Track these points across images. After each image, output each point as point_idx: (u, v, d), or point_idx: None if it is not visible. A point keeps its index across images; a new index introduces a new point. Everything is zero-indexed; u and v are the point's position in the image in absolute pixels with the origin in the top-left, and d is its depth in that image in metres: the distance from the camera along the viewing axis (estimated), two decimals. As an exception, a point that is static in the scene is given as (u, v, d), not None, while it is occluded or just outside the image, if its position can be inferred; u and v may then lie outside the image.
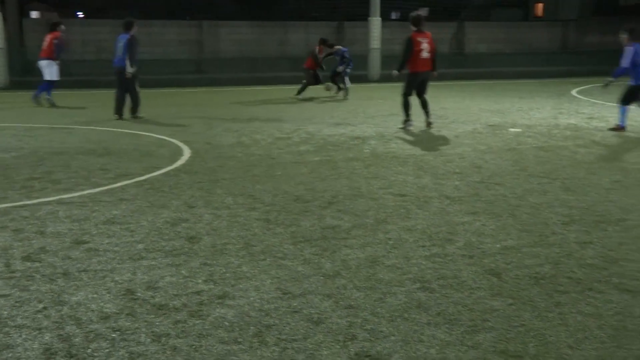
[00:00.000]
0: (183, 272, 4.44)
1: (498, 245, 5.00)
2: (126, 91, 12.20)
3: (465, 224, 5.55)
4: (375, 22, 22.07)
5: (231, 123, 11.76)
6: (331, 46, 16.87)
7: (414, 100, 11.18)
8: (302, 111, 13.63)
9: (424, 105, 11.20)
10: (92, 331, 3.55)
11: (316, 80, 16.23)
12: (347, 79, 16.41)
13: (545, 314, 3.78)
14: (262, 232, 5.34)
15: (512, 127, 11.26)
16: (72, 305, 3.88)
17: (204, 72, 22.46)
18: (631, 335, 3.50)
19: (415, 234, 5.28)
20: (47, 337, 3.48)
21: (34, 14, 46.93)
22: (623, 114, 10.91)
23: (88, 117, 12.53)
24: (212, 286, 4.18)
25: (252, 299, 3.99)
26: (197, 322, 3.66)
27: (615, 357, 3.28)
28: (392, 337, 3.49)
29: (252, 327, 3.60)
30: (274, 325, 3.63)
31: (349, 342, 3.44)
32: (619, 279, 4.30)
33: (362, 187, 6.86)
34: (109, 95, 13.14)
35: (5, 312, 3.78)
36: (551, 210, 5.97)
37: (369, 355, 3.31)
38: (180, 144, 9.44)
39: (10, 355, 3.30)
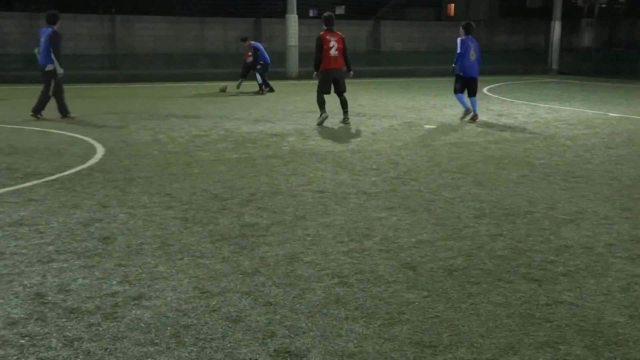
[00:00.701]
0: (96, 273, 4.30)
1: (413, 239, 5.12)
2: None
3: (382, 219, 5.65)
4: (293, 19, 22.11)
5: (147, 120, 11.50)
6: (244, 40, 17.13)
7: (334, 98, 11.30)
8: (219, 108, 13.49)
9: (343, 104, 11.37)
10: (0, 337, 3.39)
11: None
12: (258, 76, 16.58)
13: (459, 304, 3.91)
14: (180, 230, 5.25)
15: (427, 124, 11.56)
16: (-24, 312, 3.69)
17: (118, 68, 21.83)
18: (538, 323, 3.66)
19: (333, 230, 5.33)
20: (-52, 346, 3.29)
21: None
22: (462, 100, 12.04)
23: (-7, 114, 11.93)
24: (128, 287, 4.08)
25: (169, 299, 3.92)
26: (112, 324, 3.56)
27: (523, 343, 3.43)
28: (311, 333, 3.51)
29: (169, 328, 3.53)
30: (191, 325, 3.58)
31: (268, 340, 3.43)
32: (527, 269, 4.50)
33: (281, 184, 6.87)
34: (14, 91, 12.56)
35: None
36: (464, 205, 6.17)
37: (288, 352, 3.32)
38: (94, 142, 9.15)
39: None
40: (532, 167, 7.97)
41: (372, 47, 26.81)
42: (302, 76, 20.80)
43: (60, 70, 11.10)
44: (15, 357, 3.21)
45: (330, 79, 11.14)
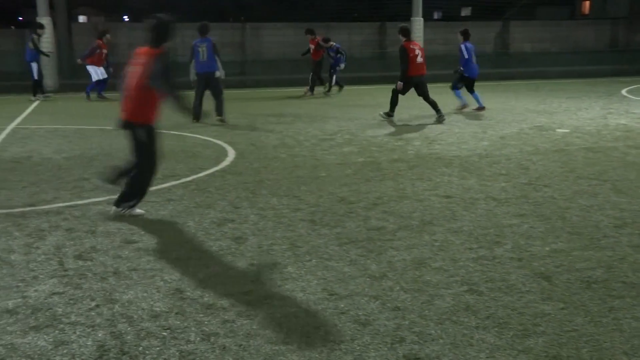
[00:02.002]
0: (230, 272, 4.48)
1: (547, 248, 4.90)
2: (220, 93, 12.09)
3: (513, 226, 5.46)
4: (418, 22, 21.92)
5: (275, 124, 11.82)
6: (327, 41, 17.53)
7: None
8: (344, 112, 13.62)
9: (433, 105, 11.96)
10: (143, 329, 3.61)
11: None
12: (335, 77, 17.52)
13: (599, 319, 3.70)
14: (307, 232, 5.35)
15: (560, 128, 11.05)
16: (123, 304, 3.95)
17: (247, 73, 22.64)
18: (689, 343, 3.39)
19: (461, 236, 5.22)
20: (100, 335, 3.55)
21: (82, 18, 48.02)
22: (460, 96, 13.27)
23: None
24: (260, 286, 4.21)
25: (298, 299, 4.00)
26: (245, 321, 3.69)
27: (672, 364, 3.19)
28: (441, 340, 3.46)
29: (299, 328, 3.61)
30: (321, 326, 3.64)
31: (397, 345, 3.42)
32: (675, 284, 4.18)
33: (407, 189, 6.82)
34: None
35: (60, 310, 3.88)
36: (602, 213, 5.83)
37: (418, 358, 3.28)
38: (225, 145, 9.53)
39: (65, 351, 3.38)
40: (679, 174, 7.39)
41: (501, 48, 26.03)
42: (434, 78, 20.52)
43: (222, 73, 12.17)
44: (157, 349, 3.40)
45: (413, 84, 11.94)
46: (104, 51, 16.14)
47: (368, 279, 4.34)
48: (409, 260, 4.67)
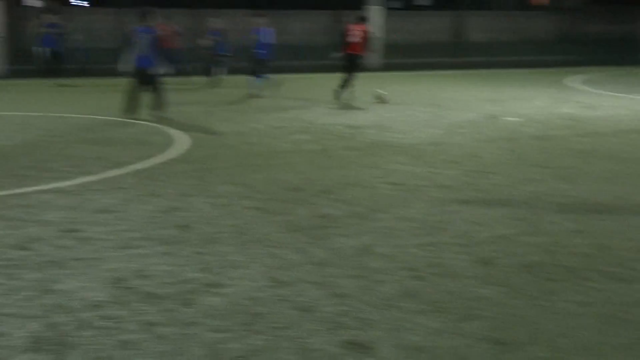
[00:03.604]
0: (174, 260, 4.43)
1: (491, 234, 4.99)
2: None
3: (459, 213, 5.54)
4: (377, 11, 21.96)
5: (230, 112, 11.72)
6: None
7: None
8: (300, 101, 13.58)
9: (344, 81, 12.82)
10: (82, 319, 3.54)
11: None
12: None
13: (537, 302, 3.78)
14: (256, 220, 5.33)
15: (511, 117, 11.23)
16: (62, 294, 3.87)
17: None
18: (620, 323, 3.49)
19: (408, 223, 5.27)
20: (35, 325, 3.47)
21: (31, 1, 46.57)
22: (257, 82, 13.71)
23: (88, 106, 12.49)
24: (204, 274, 4.18)
25: (243, 287, 3.99)
26: (187, 310, 3.66)
27: (603, 344, 3.28)
28: (382, 325, 3.49)
29: (242, 315, 3.60)
30: (264, 313, 3.63)
31: (339, 330, 3.43)
32: (610, 267, 4.30)
33: (358, 176, 6.85)
34: (111, 85, 13.09)
35: (-4, 300, 3.78)
36: (546, 200, 5.96)
37: (358, 343, 3.31)
38: (178, 133, 9.41)
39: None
40: (621, 162, 7.60)
41: (454, 38, 26.30)
42: (387, 68, 20.60)
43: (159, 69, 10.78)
44: (96, 339, 3.35)
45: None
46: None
47: (313, 265, 4.35)
48: (355, 247, 4.70)
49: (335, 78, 13.23)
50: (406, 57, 18.09)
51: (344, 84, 12.93)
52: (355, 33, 13.03)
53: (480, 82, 17.70)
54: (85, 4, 40.18)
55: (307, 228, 5.13)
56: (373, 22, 21.76)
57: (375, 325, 3.49)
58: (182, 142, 8.78)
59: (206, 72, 16.38)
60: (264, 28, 13.99)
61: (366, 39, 13.16)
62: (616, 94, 14.76)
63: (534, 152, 8.11)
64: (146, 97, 10.66)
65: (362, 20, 13.61)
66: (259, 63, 14.00)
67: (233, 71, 17.82)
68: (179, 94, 11.30)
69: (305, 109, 12.22)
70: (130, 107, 10.61)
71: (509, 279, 4.11)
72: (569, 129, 9.95)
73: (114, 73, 11.69)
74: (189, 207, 5.70)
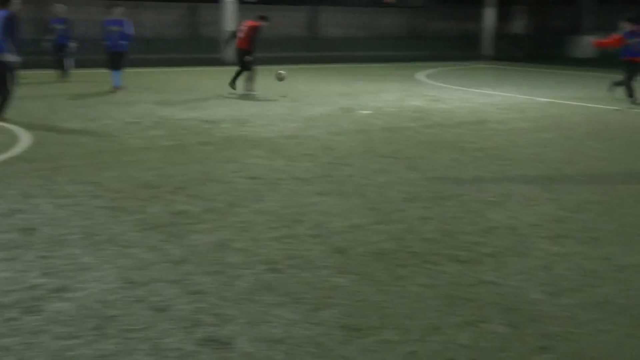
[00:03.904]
0: (16, 266, 4.15)
1: (345, 224, 5.14)
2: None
3: (315, 204, 5.66)
4: (229, 5, 21.81)
5: (77, 107, 11.15)
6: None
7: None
8: (153, 95, 13.21)
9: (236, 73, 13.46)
10: None
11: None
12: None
13: (387, 287, 3.95)
14: (107, 220, 5.12)
15: (363, 110, 11.63)
16: None
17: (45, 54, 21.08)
18: (462, 303, 3.74)
19: (265, 216, 5.30)
20: None
21: None
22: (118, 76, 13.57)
23: None
24: (49, 279, 3.95)
25: (93, 290, 3.82)
26: (31, 318, 3.45)
27: (447, 323, 3.49)
28: (239, 320, 3.49)
29: (91, 320, 3.44)
30: (116, 316, 3.50)
31: (195, 328, 3.39)
32: (454, 250, 4.59)
33: (214, 171, 6.79)
34: None
35: None
36: (395, 189, 6.24)
37: (215, 340, 3.28)
38: (20, 130, 8.81)
39: None
40: (463, 150, 8.13)
41: (309, 32, 26.76)
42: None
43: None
44: None
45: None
46: None
47: (168, 264, 4.25)
48: (212, 243, 4.66)
49: (188, 72, 13.01)
50: (263, 52, 18.16)
51: (236, 77, 13.54)
52: (242, 29, 13.50)
53: (335, 77, 18.18)
54: None
55: (162, 226, 5.01)
56: (225, 16, 21.66)
57: (232, 321, 3.48)
58: (26, 140, 8.24)
59: (56, 64, 15.45)
60: (124, 20, 13.47)
61: (251, 35, 13.26)
62: (458, 88, 15.75)
63: (385, 144, 8.45)
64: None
65: (262, 19, 13.70)
66: (120, 56, 13.46)
67: (83, 64, 16.97)
68: (24, 87, 10.53)
69: (159, 104, 11.91)
70: None
71: (362, 267, 4.26)
72: (417, 121, 10.48)
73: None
74: (33, 209, 5.36)
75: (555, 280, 4.09)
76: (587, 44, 28.15)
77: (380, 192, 6.10)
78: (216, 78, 16.84)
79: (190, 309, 3.60)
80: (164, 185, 6.19)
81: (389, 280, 4.05)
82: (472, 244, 4.72)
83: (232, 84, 13.61)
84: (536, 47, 28.18)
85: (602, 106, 12.61)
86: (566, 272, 4.23)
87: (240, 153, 7.72)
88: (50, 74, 15.42)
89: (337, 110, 11.44)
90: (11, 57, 9.17)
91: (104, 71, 14.25)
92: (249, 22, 13.56)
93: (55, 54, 15.39)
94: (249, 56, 13.22)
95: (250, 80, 13.20)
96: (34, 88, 13.42)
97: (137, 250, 4.49)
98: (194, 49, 23.20)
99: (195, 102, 12.21)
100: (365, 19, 28.54)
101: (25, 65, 9.87)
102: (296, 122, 10.15)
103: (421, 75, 18.47)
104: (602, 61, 24.19)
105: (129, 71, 14.26)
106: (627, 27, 13.10)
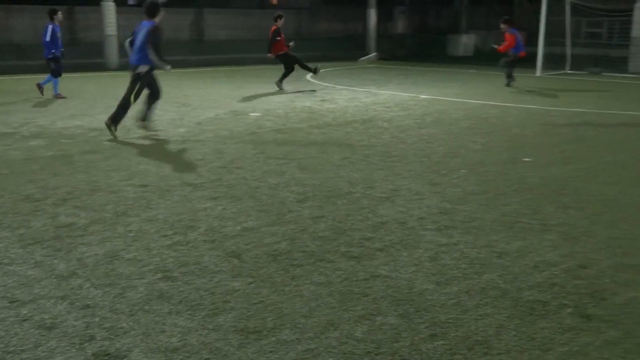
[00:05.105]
0: None
1: (239, 227, 5.14)
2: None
3: (207, 210, 5.61)
4: (109, 7, 21.10)
5: (-55, 119, 10.41)
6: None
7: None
8: (29, 103, 12.57)
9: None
10: None
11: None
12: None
13: (282, 288, 3.99)
14: (-15, 238, 4.84)
15: (253, 112, 11.62)
16: None
17: None
18: (356, 298, 3.85)
19: (156, 224, 5.20)
20: None
21: None
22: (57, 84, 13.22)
23: None
24: None
25: (-28, 313, 3.60)
26: None
27: (342, 319, 3.58)
28: (132, 332, 3.41)
29: (-28, 344, 3.25)
30: (0, 337, 3.32)
31: (86, 344, 3.28)
32: (347, 247, 4.70)
33: (101, 181, 6.57)
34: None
35: None
36: (288, 190, 6.29)
37: (108, 354, 3.19)
38: None
39: None
40: (353, 149, 8.32)
41: (196, 35, 26.39)
42: (123, 67, 19.93)
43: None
44: None
45: None
46: None
47: (55, 279, 4.08)
48: (101, 255, 4.51)
49: (69, 78, 12.44)
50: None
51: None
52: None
53: (224, 80, 18.04)
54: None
55: (47, 240, 4.80)
56: (105, 18, 20.94)
57: (127, 333, 3.39)
58: None
59: None
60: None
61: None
62: (346, 87, 16.09)
63: (276, 145, 8.50)
64: None
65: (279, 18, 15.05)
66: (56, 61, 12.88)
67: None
68: None
69: (37, 113, 11.36)
70: None
71: (257, 270, 4.27)
72: (307, 121, 10.61)
73: None
74: None
75: (443, 270, 4.28)
76: (465, 42, 29.64)
77: (273, 194, 6.14)
78: (100, 83, 16.27)
79: (80, 325, 3.48)
80: (47, 198, 5.92)
81: (285, 281, 4.09)
82: (364, 240, 4.86)
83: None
84: (418, 46, 29.32)
85: (481, 102, 13.30)
86: (452, 261, 4.45)
87: (128, 161, 7.51)
88: None
89: (226, 114, 11.36)
90: (154, 67, 9.07)
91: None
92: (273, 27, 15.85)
93: None
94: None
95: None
96: None
97: (21, 267, 4.28)
98: (74, 54, 22.24)
99: (79, 109, 11.73)
100: (251, 20, 28.47)
101: None
102: (185, 126, 10.00)
103: (309, 76, 18.69)
104: (478, 59, 25.52)
105: (3, 78, 13.47)
106: (504, 27, 14.97)
